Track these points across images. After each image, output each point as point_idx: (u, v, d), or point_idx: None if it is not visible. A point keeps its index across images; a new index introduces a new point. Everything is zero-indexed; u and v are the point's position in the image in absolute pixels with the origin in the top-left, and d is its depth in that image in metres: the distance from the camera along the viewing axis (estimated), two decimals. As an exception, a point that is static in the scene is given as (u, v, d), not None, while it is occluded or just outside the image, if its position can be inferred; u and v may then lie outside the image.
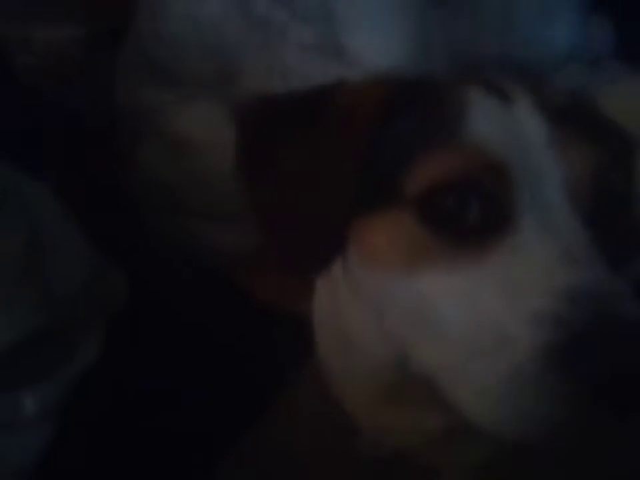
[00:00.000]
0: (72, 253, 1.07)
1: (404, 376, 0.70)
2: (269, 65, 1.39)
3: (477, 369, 0.58)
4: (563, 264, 0.58)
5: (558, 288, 0.56)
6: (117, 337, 1.10)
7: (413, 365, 0.68)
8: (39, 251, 1.02)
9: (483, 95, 0.70)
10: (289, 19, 1.40)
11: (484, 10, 1.55)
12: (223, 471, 1.03)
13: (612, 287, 0.56)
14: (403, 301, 0.65)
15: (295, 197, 0.69)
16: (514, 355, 0.55)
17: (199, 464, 1.09)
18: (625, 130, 0.77)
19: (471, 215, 0.63)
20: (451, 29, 1.50)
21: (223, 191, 1.45)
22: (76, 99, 1.58)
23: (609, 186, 0.66)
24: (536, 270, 0.58)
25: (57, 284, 1.03)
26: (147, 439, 1.10)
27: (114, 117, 1.53)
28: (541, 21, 1.65)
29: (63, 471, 1.00)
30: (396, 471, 1.07)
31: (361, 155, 0.68)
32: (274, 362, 1.23)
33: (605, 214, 0.65)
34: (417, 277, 0.63)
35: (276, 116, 0.74)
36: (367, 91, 0.72)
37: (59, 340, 1.03)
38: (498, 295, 0.59)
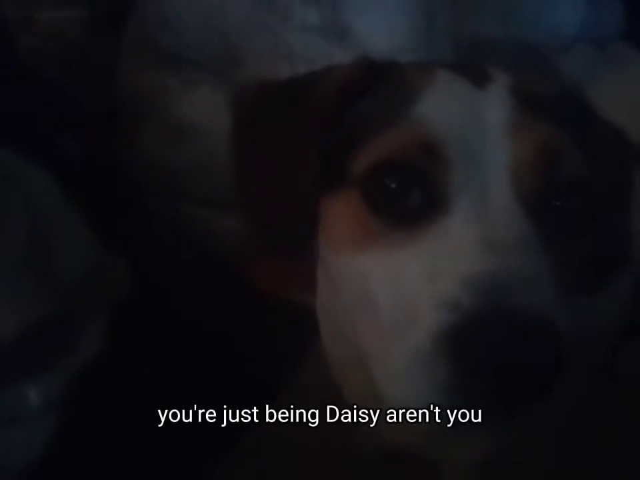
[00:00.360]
0: (73, 241, 1.07)
1: None
2: (272, 47, 1.38)
3: (392, 348, 0.59)
4: (481, 251, 0.57)
5: (465, 275, 0.56)
6: (120, 326, 1.10)
7: (352, 347, 0.69)
8: (40, 240, 1.02)
9: (446, 78, 0.69)
10: (292, 0, 1.39)
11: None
12: (227, 461, 1.04)
13: (524, 280, 0.56)
14: (350, 280, 0.66)
15: (270, 179, 0.71)
16: (417, 337, 0.56)
17: (202, 451, 1.10)
18: (613, 126, 0.75)
19: (410, 195, 0.63)
20: (455, 10, 1.49)
21: (225, 177, 1.46)
22: (78, 82, 1.56)
23: (563, 170, 0.65)
24: (454, 255, 0.58)
25: (58, 272, 1.03)
26: (151, 429, 1.10)
27: (116, 100, 1.52)
28: (546, 1, 1.63)
29: (68, 462, 1.00)
30: (397, 463, 1.08)
31: (319, 139, 0.68)
32: (274, 348, 1.23)
33: (559, 202, 0.64)
34: (361, 257, 0.64)
35: (264, 103, 0.75)
36: (331, 77, 0.72)
37: (62, 331, 1.03)
38: (420, 277, 0.59)
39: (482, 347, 0.52)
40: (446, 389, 0.54)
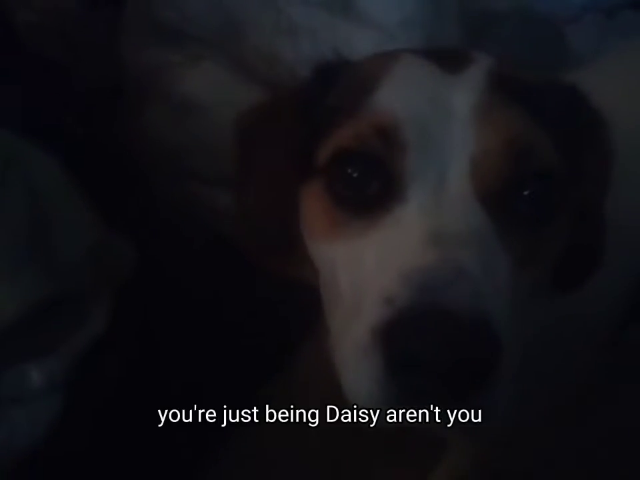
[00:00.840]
0: (75, 222, 1.06)
1: None
2: (275, 21, 1.36)
3: (343, 337, 0.60)
4: (426, 245, 0.57)
5: (405, 270, 0.56)
6: (125, 307, 1.10)
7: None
8: (42, 220, 1.01)
9: (409, 65, 0.68)
10: (294, -28, 1.37)
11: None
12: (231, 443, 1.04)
13: (464, 276, 0.55)
14: (324, 266, 0.67)
15: (259, 192, 0.77)
16: (358, 329, 0.57)
17: (206, 432, 1.10)
18: (600, 122, 0.73)
19: (370, 184, 0.63)
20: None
21: (229, 154, 1.45)
22: (78, 60, 1.54)
23: (529, 168, 0.63)
24: (402, 247, 0.58)
25: (60, 254, 1.02)
26: (156, 411, 1.10)
27: (117, 78, 1.51)
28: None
29: (71, 444, 1.00)
30: (404, 440, 1.08)
31: (291, 150, 0.71)
32: (280, 326, 1.23)
33: (525, 193, 0.63)
34: (330, 245, 0.65)
35: (253, 123, 0.79)
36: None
37: (66, 312, 1.03)
38: (370, 268, 0.60)
39: (411, 343, 0.52)
40: (380, 381, 0.55)
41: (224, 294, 1.26)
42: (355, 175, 0.63)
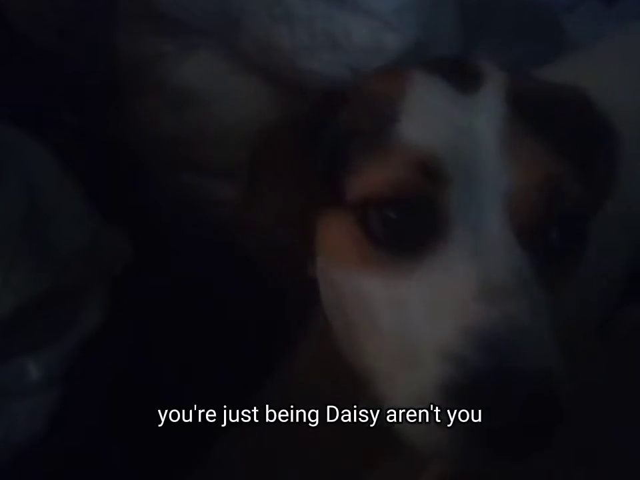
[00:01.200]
0: (71, 214, 1.06)
1: None
2: (270, 9, 1.35)
3: (397, 379, 0.60)
4: (481, 298, 0.56)
5: (466, 326, 0.56)
6: (122, 299, 1.10)
7: (351, 356, 0.70)
8: (38, 214, 1.00)
9: (424, 85, 0.66)
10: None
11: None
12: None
13: (524, 331, 0.55)
14: (353, 296, 0.65)
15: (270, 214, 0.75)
16: (423, 379, 0.57)
17: (205, 426, 1.10)
18: (609, 130, 0.73)
19: (410, 224, 0.61)
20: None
21: (226, 144, 1.44)
22: (72, 49, 1.53)
23: (563, 203, 0.61)
24: (454, 298, 0.57)
25: (57, 246, 1.02)
26: (155, 402, 1.10)
27: (112, 67, 1.50)
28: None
29: (70, 438, 1.00)
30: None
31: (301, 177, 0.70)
32: (277, 318, 1.22)
33: (555, 233, 0.62)
34: (362, 277, 0.63)
35: (267, 145, 0.77)
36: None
37: (62, 305, 1.03)
38: (421, 315, 0.59)
39: (484, 406, 0.53)
40: (450, 438, 0.55)
41: (222, 287, 1.25)
42: (392, 216, 0.61)
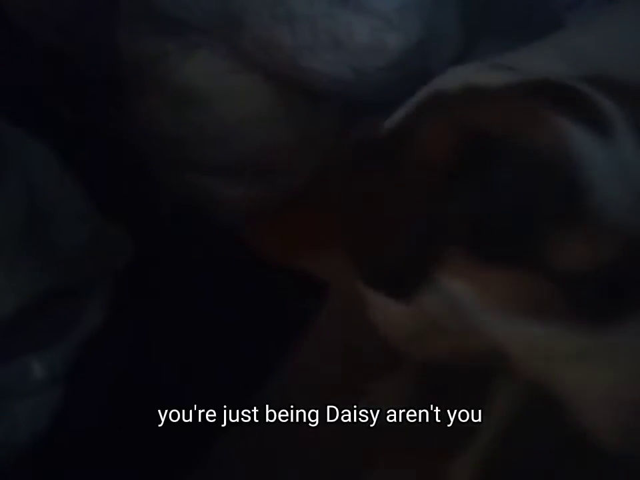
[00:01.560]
0: (72, 212, 1.05)
1: None
2: (272, 8, 1.35)
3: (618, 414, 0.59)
4: None
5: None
6: (125, 298, 1.09)
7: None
8: (38, 212, 1.00)
9: (579, 131, 0.58)
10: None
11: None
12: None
13: None
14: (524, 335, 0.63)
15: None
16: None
17: (205, 426, 1.09)
18: None
19: (610, 290, 0.58)
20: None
21: (229, 143, 1.44)
22: (74, 46, 1.53)
23: None
24: (628, 376, 0.57)
25: (58, 245, 1.02)
26: (155, 402, 1.10)
27: (114, 66, 1.50)
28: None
29: (75, 435, 1.00)
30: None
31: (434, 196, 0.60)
32: (277, 318, 1.23)
33: None
34: (538, 322, 0.61)
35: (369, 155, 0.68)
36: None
37: (65, 303, 1.02)
38: (601, 384, 0.59)
39: None
40: None
41: (222, 286, 1.25)
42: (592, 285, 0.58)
